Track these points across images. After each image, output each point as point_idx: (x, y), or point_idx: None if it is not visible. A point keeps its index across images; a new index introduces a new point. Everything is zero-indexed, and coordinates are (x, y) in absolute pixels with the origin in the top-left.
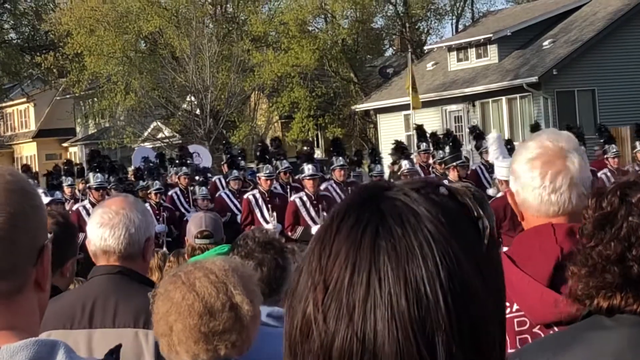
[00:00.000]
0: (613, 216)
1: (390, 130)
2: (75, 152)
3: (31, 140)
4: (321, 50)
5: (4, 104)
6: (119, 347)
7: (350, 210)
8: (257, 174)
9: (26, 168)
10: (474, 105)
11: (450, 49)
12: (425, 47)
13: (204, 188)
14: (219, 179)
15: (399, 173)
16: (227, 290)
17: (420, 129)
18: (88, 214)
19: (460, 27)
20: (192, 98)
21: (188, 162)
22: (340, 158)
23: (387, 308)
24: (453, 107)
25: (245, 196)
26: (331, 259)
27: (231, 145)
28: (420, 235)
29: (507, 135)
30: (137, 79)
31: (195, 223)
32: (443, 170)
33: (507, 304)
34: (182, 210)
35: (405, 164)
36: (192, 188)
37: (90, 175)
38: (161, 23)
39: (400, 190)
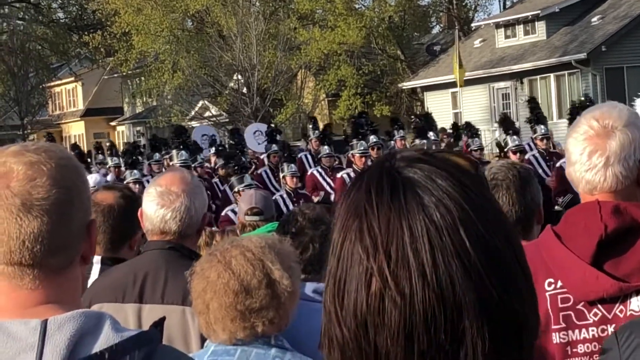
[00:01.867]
0: None
1: (437, 108)
2: (123, 131)
3: (79, 119)
4: (368, 27)
5: (52, 83)
6: (163, 319)
7: (380, 182)
8: (351, 152)
9: (100, 145)
10: (521, 83)
11: (497, 25)
12: (472, 24)
13: (292, 165)
14: (305, 156)
15: (505, 150)
16: (263, 267)
17: (533, 101)
18: None
19: (508, 3)
20: (239, 76)
21: (277, 139)
22: (432, 133)
23: (456, 258)
24: (501, 84)
25: (339, 175)
26: (383, 230)
27: (317, 121)
28: (457, 187)
29: (555, 113)
30: (184, 57)
31: (246, 200)
32: (545, 146)
33: (551, 280)
34: (272, 189)
35: (514, 138)
36: (281, 166)
37: (174, 152)
38: (208, 1)
39: (410, 157)
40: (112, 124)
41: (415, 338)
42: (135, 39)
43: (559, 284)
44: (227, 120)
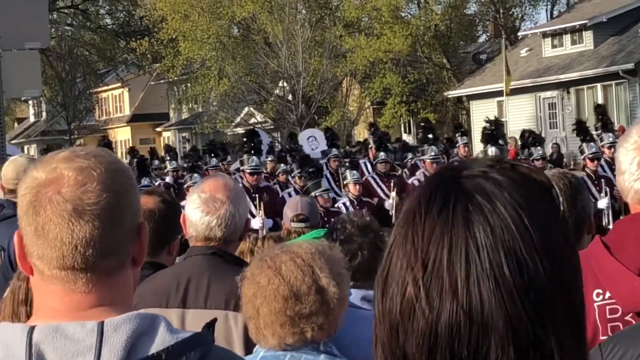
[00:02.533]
0: None
1: (483, 117)
2: (169, 137)
3: (125, 124)
4: (414, 36)
5: (99, 89)
6: (214, 321)
7: (435, 192)
8: (422, 157)
9: (154, 151)
10: (568, 92)
11: (544, 35)
12: (519, 33)
13: (355, 172)
14: (365, 163)
15: (583, 156)
16: (313, 273)
17: (601, 107)
18: None
19: (555, 12)
20: (285, 84)
21: (337, 143)
22: (501, 140)
23: (490, 279)
24: (547, 93)
25: (410, 181)
26: (425, 240)
27: (378, 127)
28: (509, 207)
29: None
30: (230, 64)
31: (292, 207)
32: (611, 155)
33: (600, 291)
34: (334, 194)
35: (591, 145)
36: (342, 172)
37: (245, 157)
38: (254, 9)
39: (476, 168)
40: (158, 129)
41: (438, 350)
42: (182, 45)
43: (607, 294)
44: (272, 127)
